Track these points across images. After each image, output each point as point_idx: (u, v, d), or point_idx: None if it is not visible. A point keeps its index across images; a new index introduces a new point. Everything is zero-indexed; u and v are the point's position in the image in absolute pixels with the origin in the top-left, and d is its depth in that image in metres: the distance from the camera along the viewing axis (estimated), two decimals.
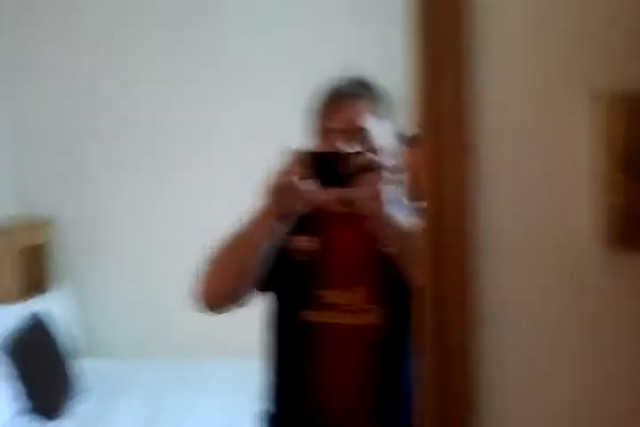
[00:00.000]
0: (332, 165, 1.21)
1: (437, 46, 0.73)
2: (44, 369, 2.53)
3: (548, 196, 0.75)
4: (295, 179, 1.22)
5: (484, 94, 0.74)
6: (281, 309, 1.40)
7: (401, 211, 1.22)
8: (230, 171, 3.01)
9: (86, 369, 2.72)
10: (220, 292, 1.34)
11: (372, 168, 1.20)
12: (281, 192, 1.23)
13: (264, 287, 1.38)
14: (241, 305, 1.36)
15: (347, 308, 1.34)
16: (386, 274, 1.33)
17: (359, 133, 1.31)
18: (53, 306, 2.79)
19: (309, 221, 1.36)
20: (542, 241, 0.75)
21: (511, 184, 0.75)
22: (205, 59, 3.12)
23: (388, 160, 1.21)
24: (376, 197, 1.20)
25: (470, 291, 0.75)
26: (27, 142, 3.15)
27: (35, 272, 3.00)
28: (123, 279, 3.19)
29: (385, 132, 1.35)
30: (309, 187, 1.22)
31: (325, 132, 1.33)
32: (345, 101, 1.34)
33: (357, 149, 1.22)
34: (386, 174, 1.20)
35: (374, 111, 1.34)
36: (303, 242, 1.37)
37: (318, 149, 1.27)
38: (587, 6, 0.74)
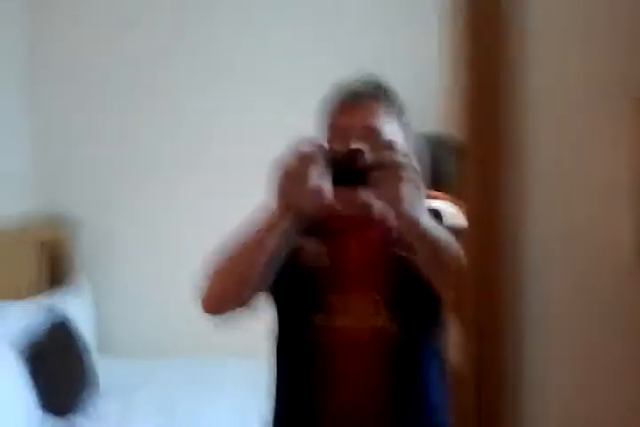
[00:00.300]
0: (347, 162, 1.14)
1: (484, 62, 0.71)
2: (62, 368, 2.53)
3: (592, 209, 0.73)
4: (307, 167, 1.13)
5: (530, 110, 0.72)
6: (291, 313, 1.36)
7: (422, 211, 1.15)
8: (246, 170, 3.00)
9: (102, 368, 2.73)
10: (224, 296, 1.29)
11: (390, 166, 1.12)
12: (291, 181, 1.14)
13: (273, 292, 1.34)
14: (248, 310, 1.31)
15: (360, 312, 1.30)
16: (400, 278, 1.30)
17: (372, 133, 1.28)
18: (71, 304, 2.81)
19: (319, 224, 1.31)
20: (585, 254, 0.73)
21: (555, 197, 0.73)
22: (216, 59, 3.14)
23: (405, 159, 1.13)
24: (397, 195, 1.12)
25: (515, 305, 0.73)
26: (45, 140, 3.18)
27: (52, 269, 3.02)
28: (139, 278, 3.19)
29: (398, 134, 1.32)
30: (321, 182, 1.14)
31: (338, 131, 1.29)
32: (358, 102, 1.31)
33: (374, 146, 1.17)
34: (405, 173, 1.12)
35: (387, 112, 1.32)
36: (315, 246, 1.33)
37: (332, 147, 1.20)
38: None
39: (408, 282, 1.27)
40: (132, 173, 3.19)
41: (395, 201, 1.12)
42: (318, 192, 1.14)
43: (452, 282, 1.15)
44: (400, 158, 1.13)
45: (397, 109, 1.35)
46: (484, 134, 0.72)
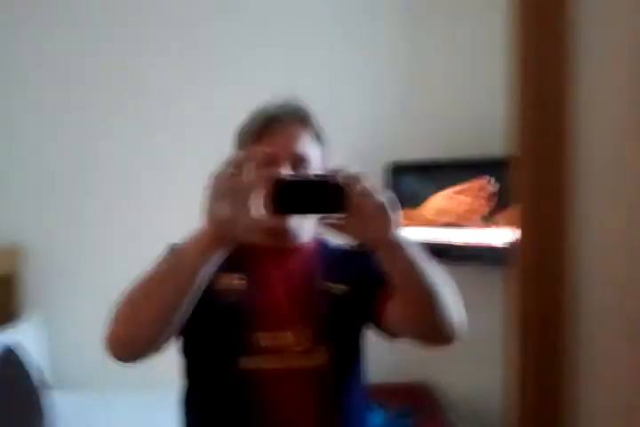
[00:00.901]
0: (295, 187, 1.03)
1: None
2: (15, 403, 2.45)
3: None
4: (244, 189, 1.00)
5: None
6: (212, 357, 1.24)
7: (406, 238, 1.08)
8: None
9: (57, 403, 2.63)
10: (139, 336, 1.11)
11: (365, 192, 1.02)
12: (224, 203, 1.01)
13: (186, 333, 1.22)
14: (160, 351, 1.16)
15: (288, 350, 1.22)
16: (328, 310, 1.24)
17: (300, 159, 1.24)
18: (24, 337, 2.72)
19: (238, 258, 1.20)
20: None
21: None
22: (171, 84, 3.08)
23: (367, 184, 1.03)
24: (380, 217, 1.03)
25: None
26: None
27: (4, 302, 2.93)
28: (95, 309, 3.08)
29: (324, 159, 1.29)
30: (260, 207, 1.02)
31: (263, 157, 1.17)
32: (282, 127, 1.26)
33: (324, 173, 1.07)
34: (382, 198, 1.03)
35: (311, 137, 1.28)
36: (233, 281, 1.24)
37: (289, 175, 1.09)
38: None
39: (335, 312, 1.24)
40: (87, 202, 3.11)
41: (381, 227, 1.04)
42: (252, 217, 1.01)
43: (438, 319, 1.12)
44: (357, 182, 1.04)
45: (318, 133, 1.31)
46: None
